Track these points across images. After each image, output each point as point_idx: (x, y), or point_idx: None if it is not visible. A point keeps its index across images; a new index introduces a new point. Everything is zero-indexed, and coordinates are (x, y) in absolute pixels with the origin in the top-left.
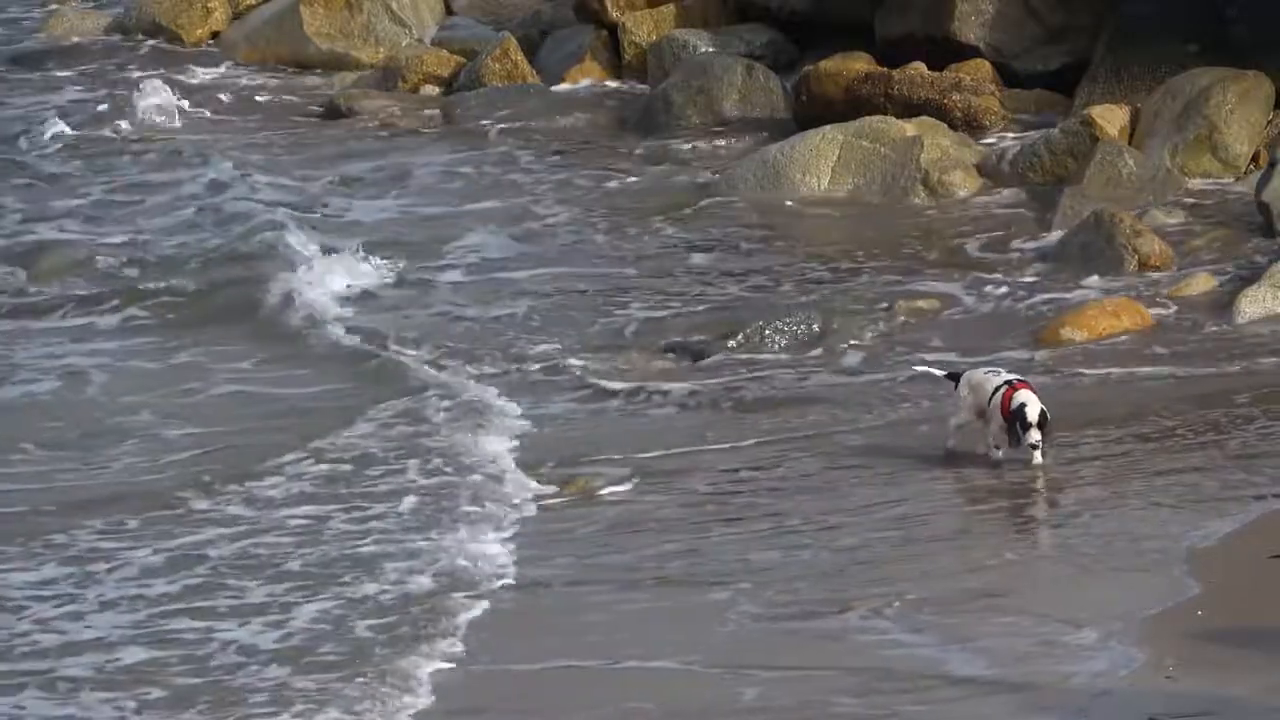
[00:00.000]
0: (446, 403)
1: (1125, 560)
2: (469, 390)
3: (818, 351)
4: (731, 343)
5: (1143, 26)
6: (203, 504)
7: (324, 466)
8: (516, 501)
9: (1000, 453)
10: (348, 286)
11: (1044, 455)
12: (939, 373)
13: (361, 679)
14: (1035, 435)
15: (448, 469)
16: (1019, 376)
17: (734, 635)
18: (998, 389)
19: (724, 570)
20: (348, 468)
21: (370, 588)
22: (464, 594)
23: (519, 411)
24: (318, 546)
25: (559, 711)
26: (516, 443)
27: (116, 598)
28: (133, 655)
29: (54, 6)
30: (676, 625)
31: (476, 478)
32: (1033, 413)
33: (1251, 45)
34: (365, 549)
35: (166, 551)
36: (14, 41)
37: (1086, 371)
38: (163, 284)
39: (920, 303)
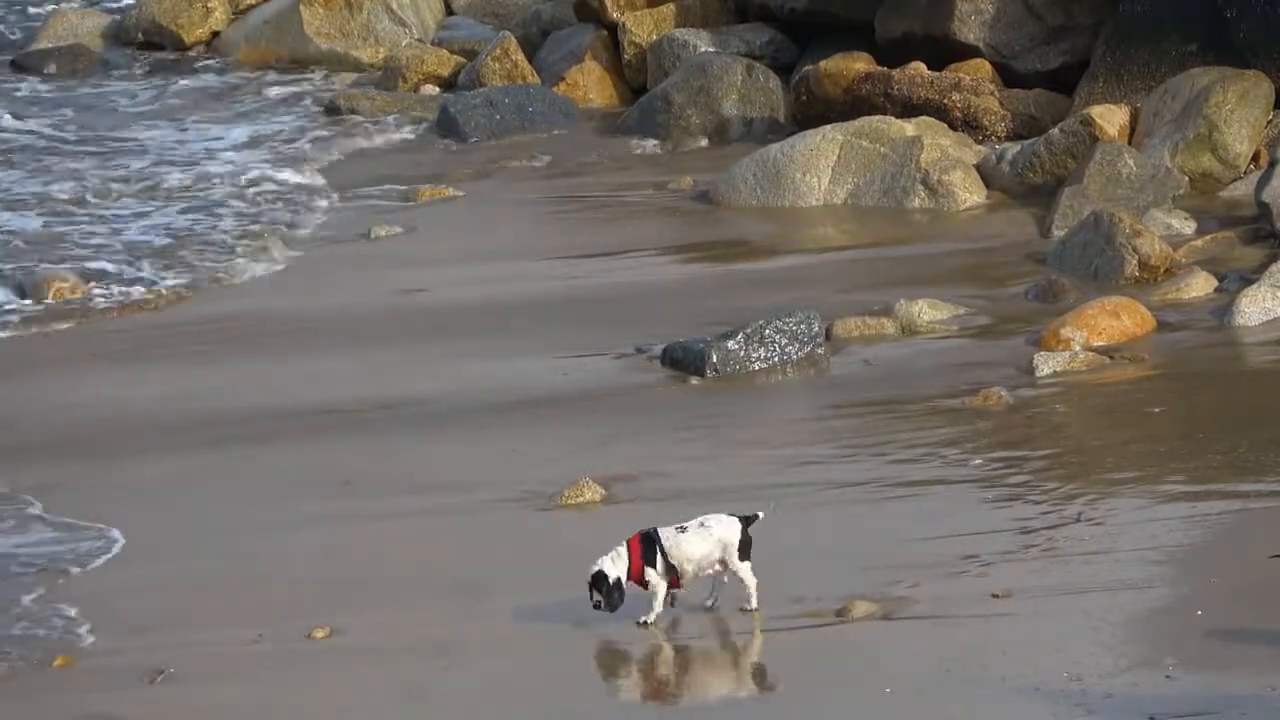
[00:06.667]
0: None
1: (1125, 560)
2: None
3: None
4: (731, 343)
5: (1143, 26)
6: None
7: None
8: None
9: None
10: None
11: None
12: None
13: None
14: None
15: None
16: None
17: None
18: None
19: None
20: None
21: None
22: None
23: None
24: None
25: None
26: None
27: None
28: None
29: (52, 6)
30: None
31: None
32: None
33: (1251, 45)
34: None
35: None
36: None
37: (1087, 371)
38: None
39: (920, 302)
